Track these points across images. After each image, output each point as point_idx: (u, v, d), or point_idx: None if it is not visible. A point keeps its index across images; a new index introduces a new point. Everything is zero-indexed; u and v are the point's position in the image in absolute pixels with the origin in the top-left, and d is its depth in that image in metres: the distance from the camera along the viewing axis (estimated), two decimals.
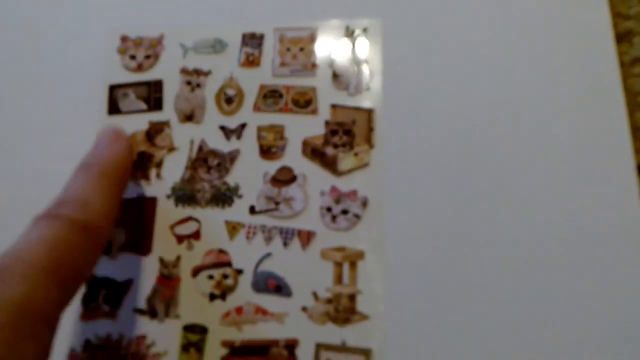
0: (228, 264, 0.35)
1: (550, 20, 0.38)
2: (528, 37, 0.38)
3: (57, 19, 0.42)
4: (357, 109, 0.37)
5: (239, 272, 0.35)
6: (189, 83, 0.39)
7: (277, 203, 0.36)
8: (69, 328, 0.35)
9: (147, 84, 0.40)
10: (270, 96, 0.38)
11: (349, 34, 0.39)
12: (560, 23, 0.38)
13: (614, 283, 0.33)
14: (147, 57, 0.40)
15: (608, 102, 0.36)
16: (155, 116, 0.39)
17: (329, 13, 0.40)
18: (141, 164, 0.38)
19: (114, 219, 0.31)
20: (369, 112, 0.37)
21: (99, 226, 0.30)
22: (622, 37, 0.38)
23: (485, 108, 0.37)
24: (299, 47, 0.39)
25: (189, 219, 0.36)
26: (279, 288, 0.34)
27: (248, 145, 0.37)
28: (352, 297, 0.34)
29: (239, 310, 0.34)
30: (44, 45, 0.41)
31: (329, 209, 0.35)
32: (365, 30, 0.39)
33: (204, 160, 0.37)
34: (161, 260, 0.36)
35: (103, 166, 0.32)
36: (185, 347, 0.34)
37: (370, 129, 0.37)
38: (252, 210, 0.36)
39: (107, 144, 0.34)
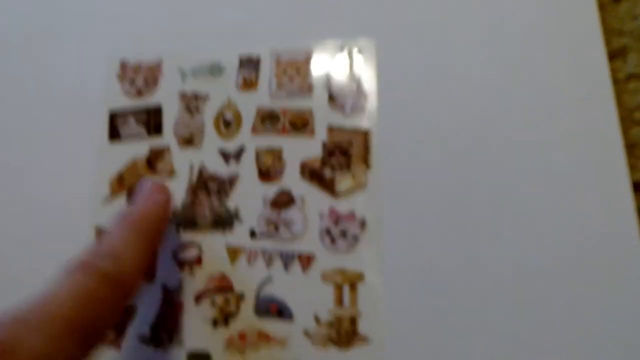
0: (230, 289, 0.36)
1: (543, 39, 0.38)
2: (521, 55, 0.38)
3: (57, 46, 0.43)
4: (354, 130, 0.38)
5: (241, 296, 0.36)
6: (187, 107, 0.40)
7: (276, 226, 0.37)
8: None
9: (147, 109, 0.40)
10: (268, 119, 0.39)
11: (344, 54, 0.39)
12: (553, 42, 0.38)
13: (610, 298, 0.33)
14: (146, 82, 0.41)
15: (602, 119, 0.36)
16: (156, 141, 0.40)
17: (323, 34, 0.40)
18: None
19: (144, 272, 0.32)
20: (365, 133, 0.38)
21: (129, 280, 0.30)
22: (616, 54, 0.38)
23: (480, 127, 0.37)
24: (295, 69, 0.39)
25: (190, 244, 0.37)
26: (281, 311, 0.35)
27: (247, 168, 0.38)
28: (353, 320, 0.34)
29: (242, 335, 0.35)
30: (45, 72, 0.42)
31: (328, 231, 0.36)
32: (359, 50, 0.39)
33: (204, 184, 0.38)
34: (164, 287, 0.36)
35: (139, 220, 0.33)
36: None
37: (366, 150, 0.37)
38: (253, 234, 0.37)
39: (146, 197, 0.35)
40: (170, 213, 0.37)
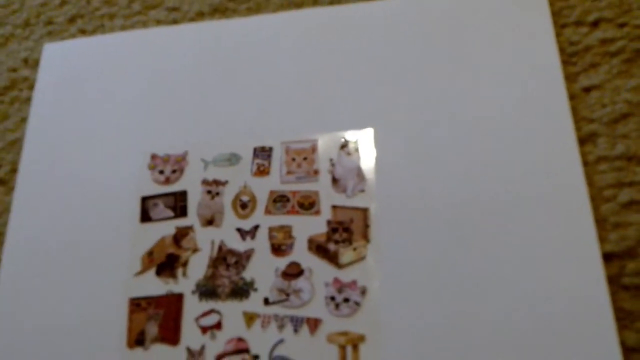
0: (246, 351, 0.40)
1: (519, 128, 0.43)
2: (501, 141, 0.43)
3: (96, 144, 0.49)
4: (355, 209, 0.43)
5: (256, 357, 0.40)
6: (209, 192, 0.46)
7: (287, 294, 0.41)
8: None
9: (174, 194, 0.46)
10: (279, 200, 0.44)
11: (345, 143, 0.45)
12: (529, 131, 0.43)
13: None
14: (174, 171, 0.47)
15: (574, 197, 0.40)
16: (181, 222, 0.45)
17: (327, 125, 0.46)
18: (170, 264, 0.44)
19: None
20: (365, 211, 0.43)
21: None
22: (586, 139, 0.43)
23: (467, 205, 0.42)
24: (302, 157, 0.45)
25: (211, 311, 0.42)
26: None
27: (261, 244, 0.43)
28: None
29: None
30: (86, 166, 0.49)
31: (332, 298, 0.41)
32: (359, 138, 0.45)
33: (224, 259, 0.43)
34: (188, 350, 0.41)
35: None
36: None
37: (366, 226, 0.42)
38: (266, 301, 0.41)
39: None
40: None
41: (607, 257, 0.39)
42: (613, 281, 0.39)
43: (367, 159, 0.45)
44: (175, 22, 0.54)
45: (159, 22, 0.55)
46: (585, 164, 0.42)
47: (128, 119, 0.50)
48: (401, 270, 0.41)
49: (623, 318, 0.38)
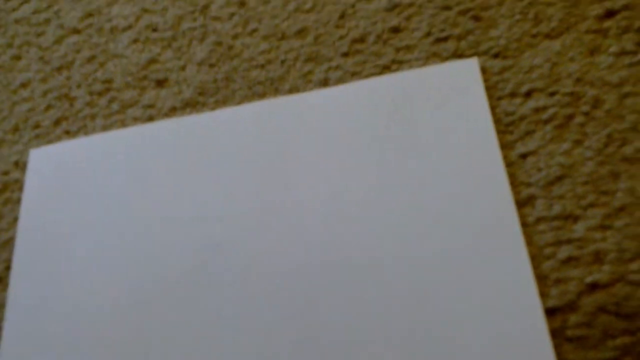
0: None
1: (458, 199, 0.47)
2: (440, 215, 0.47)
3: (87, 245, 0.53)
4: None
5: None
6: None
7: None
8: None
9: None
10: None
11: None
12: (467, 199, 0.47)
13: None
14: None
15: (513, 257, 0.44)
16: None
17: None
18: None
19: None
20: None
21: None
22: (525, 202, 0.47)
23: (411, 269, 0.45)
24: None
25: None
26: None
27: None
28: None
29: None
30: (79, 266, 0.52)
31: None
32: None
33: None
34: None
35: None
36: None
37: None
38: None
39: None
40: None
41: (550, 312, 0.42)
42: (557, 334, 0.42)
43: None
44: (151, 118, 0.59)
45: (135, 119, 0.60)
46: (526, 225, 0.46)
47: (117, 222, 0.54)
48: None
49: None
